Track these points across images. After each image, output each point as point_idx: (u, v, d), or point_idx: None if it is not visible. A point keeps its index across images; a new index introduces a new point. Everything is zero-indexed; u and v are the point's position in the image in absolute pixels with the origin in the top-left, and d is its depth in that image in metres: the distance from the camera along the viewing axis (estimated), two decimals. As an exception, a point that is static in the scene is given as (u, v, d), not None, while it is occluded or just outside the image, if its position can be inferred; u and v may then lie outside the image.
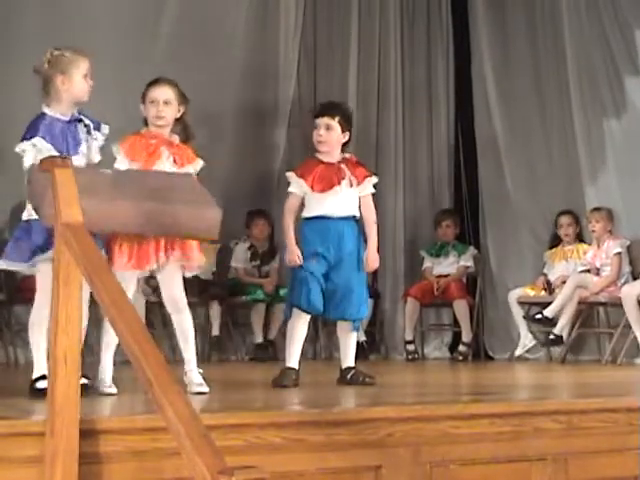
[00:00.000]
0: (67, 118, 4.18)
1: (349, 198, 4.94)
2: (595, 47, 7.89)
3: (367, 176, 5.01)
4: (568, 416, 3.83)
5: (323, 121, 4.94)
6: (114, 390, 4.27)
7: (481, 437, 3.66)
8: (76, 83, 4.17)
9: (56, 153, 4.01)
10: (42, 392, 3.81)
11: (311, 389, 5.00)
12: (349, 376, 4.95)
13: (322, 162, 4.95)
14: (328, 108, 5.04)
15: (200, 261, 4.48)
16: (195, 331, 7.85)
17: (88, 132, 4.24)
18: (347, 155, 5.03)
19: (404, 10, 8.75)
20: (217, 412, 3.42)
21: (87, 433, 3.04)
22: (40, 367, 4.01)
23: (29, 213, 4.09)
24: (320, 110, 5.03)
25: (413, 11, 8.81)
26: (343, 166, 4.95)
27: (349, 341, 5.03)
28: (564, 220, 7.82)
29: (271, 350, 7.75)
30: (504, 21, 8.58)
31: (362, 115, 8.48)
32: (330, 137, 4.92)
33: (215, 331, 7.65)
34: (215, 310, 7.68)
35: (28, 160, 4.10)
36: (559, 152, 8.19)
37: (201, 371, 4.48)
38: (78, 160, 4.06)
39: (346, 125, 4.98)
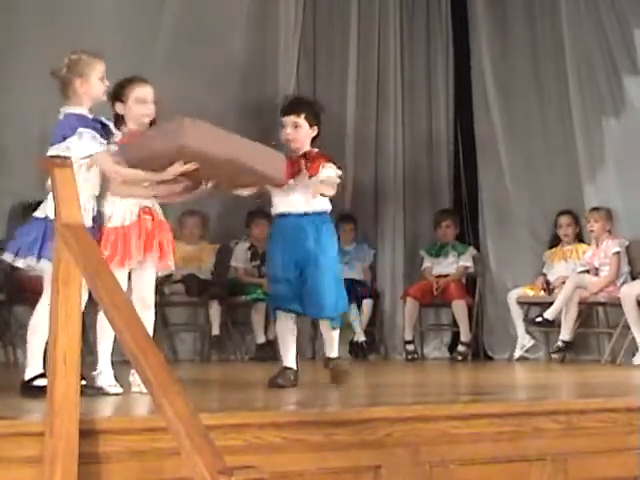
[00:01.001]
0: (91, 116, 4.31)
1: (306, 193, 4.87)
2: (594, 45, 7.89)
3: (320, 165, 4.92)
4: (567, 416, 3.84)
5: (290, 119, 4.90)
6: (118, 390, 4.28)
7: (480, 437, 3.66)
8: (93, 85, 4.29)
9: (102, 142, 4.20)
10: (41, 390, 3.84)
11: (310, 389, 4.99)
12: (329, 364, 5.02)
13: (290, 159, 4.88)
14: (294, 105, 4.98)
15: (172, 264, 4.52)
16: (195, 331, 7.90)
17: (106, 132, 4.35)
18: (308, 149, 4.95)
19: (403, 7, 8.75)
20: (217, 412, 3.42)
21: (87, 433, 3.04)
22: (37, 366, 4.04)
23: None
24: (286, 108, 4.97)
25: (412, 7, 8.81)
26: (302, 161, 4.89)
27: (329, 334, 5.03)
28: (563, 220, 7.82)
29: (271, 350, 7.74)
30: (503, 17, 8.58)
31: (361, 113, 8.49)
32: (298, 135, 4.89)
33: (215, 331, 7.65)
34: (215, 310, 7.68)
35: (81, 152, 4.17)
36: (558, 151, 8.19)
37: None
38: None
39: (314, 120, 4.93)
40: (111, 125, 4.41)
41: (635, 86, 7.69)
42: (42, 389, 3.85)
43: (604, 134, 7.87)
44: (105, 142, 4.28)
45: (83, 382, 3.95)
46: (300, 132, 4.90)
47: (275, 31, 8.16)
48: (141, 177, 4.32)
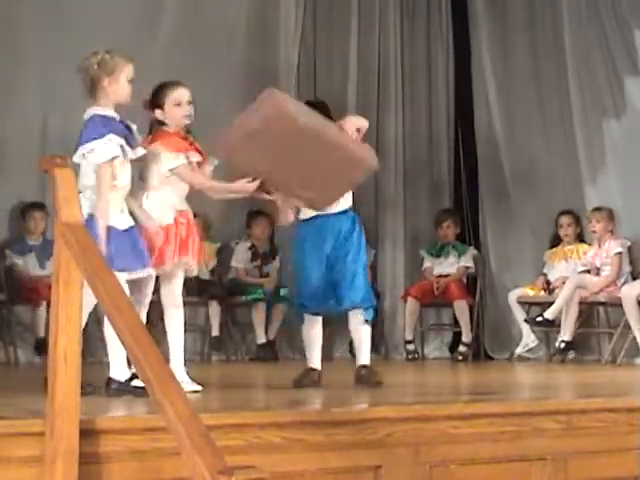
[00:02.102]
0: (118, 118, 4.29)
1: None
2: (595, 47, 7.89)
3: None
4: (568, 416, 3.84)
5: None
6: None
7: (481, 437, 3.66)
8: (122, 86, 4.27)
9: (127, 148, 4.20)
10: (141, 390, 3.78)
11: (311, 389, 4.99)
12: (359, 375, 4.88)
13: None
14: (325, 110, 4.95)
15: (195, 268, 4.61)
16: (195, 331, 7.89)
17: (131, 135, 4.35)
18: None
19: (404, 6, 8.75)
20: (217, 412, 3.42)
21: (87, 433, 3.04)
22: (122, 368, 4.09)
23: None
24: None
25: (413, 7, 8.81)
26: None
27: (361, 333, 4.96)
28: (564, 220, 7.82)
29: (271, 350, 7.74)
30: (504, 16, 8.57)
31: (362, 113, 8.45)
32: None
33: (215, 331, 7.65)
34: (214, 310, 7.68)
35: (101, 157, 4.17)
36: (559, 152, 8.19)
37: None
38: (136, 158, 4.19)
39: None
40: (134, 128, 4.39)
41: (635, 86, 7.69)
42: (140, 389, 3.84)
43: (604, 134, 7.87)
44: (129, 148, 4.26)
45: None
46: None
47: (275, 33, 8.15)
48: (216, 187, 4.47)
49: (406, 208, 8.57)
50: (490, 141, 8.57)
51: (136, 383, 3.98)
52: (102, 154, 4.16)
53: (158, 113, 4.51)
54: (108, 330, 3.98)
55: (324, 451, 3.37)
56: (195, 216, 7.59)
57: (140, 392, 3.78)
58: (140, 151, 4.32)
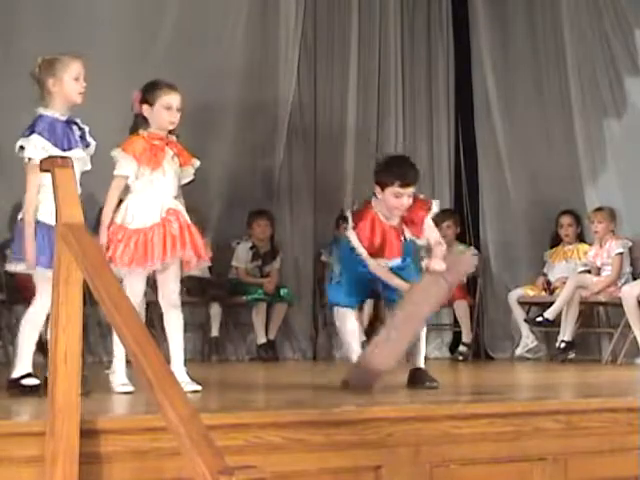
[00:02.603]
0: (64, 118, 4.28)
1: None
2: (595, 47, 7.90)
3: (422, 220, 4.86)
4: (568, 416, 3.84)
5: (408, 191, 4.72)
6: (129, 388, 4.29)
7: (481, 437, 3.66)
8: (66, 85, 4.27)
9: (54, 149, 4.14)
10: (32, 389, 3.87)
11: (311, 389, 5.00)
12: (413, 378, 4.82)
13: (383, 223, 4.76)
14: (417, 176, 4.83)
15: (208, 257, 4.61)
16: (195, 331, 7.88)
17: (82, 137, 4.33)
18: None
19: (404, 9, 8.75)
20: (217, 412, 3.42)
21: (87, 433, 3.04)
22: (26, 365, 4.10)
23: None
24: (410, 178, 4.75)
25: (413, 10, 8.81)
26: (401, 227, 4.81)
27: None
28: (565, 220, 7.82)
29: (271, 350, 7.74)
30: (504, 21, 8.58)
31: (362, 115, 8.49)
32: (409, 204, 4.74)
33: (214, 332, 7.65)
34: (216, 311, 7.67)
35: (27, 154, 4.20)
36: (559, 152, 8.19)
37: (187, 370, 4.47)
38: (77, 159, 4.09)
39: None
40: (87, 129, 4.37)
41: (635, 85, 7.70)
42: (33, 388, 3.92)
43: (605, 135, 7.88)
44: (63, 149, 4.21)
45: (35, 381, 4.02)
46: (411, 197, 4.74)
47: (275, 33, 8.15)
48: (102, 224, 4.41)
49: (406, 208, 8.56)
50: (491, 142, 8.57)
51: (27, 382, 4.03)
52: (27, 152, 4.19)
53: (145, 109, 4.51)
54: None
55: (324, 451, 3.37)
56: (191, 213, 7.66)
57: (28, 391, 3.93)
58: (78, 153, 4.24)
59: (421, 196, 4.88)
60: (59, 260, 3.15)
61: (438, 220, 8.27)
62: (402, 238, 4.74)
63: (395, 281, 4.61)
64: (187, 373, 4.43)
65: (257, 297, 7.75)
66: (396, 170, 4.74)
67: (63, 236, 3.15)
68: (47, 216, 4.10)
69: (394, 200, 4.68)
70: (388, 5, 8.65)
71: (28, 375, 4.09)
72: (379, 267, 4.63)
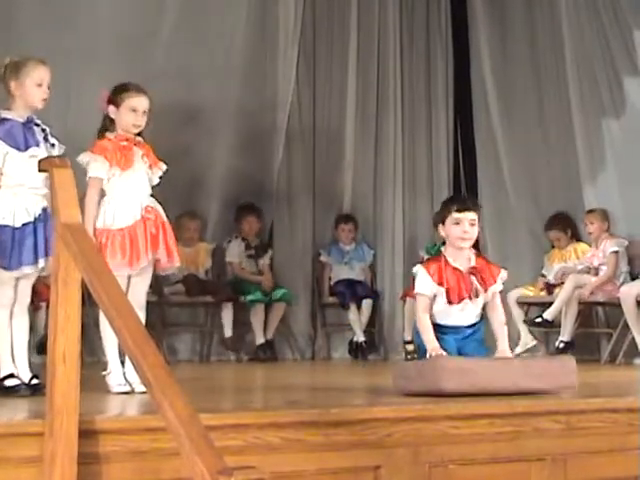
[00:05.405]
0: (23, 120, 4.30)
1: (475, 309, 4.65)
2: (594, 47, 7.89)
3: (494, 275, 4.72)
4: (567, 416, 3.83)
5: (468, 216, 4.65)
6: (127, 388, 4.29)
7: (480, 437, 3.66)
8: (28, 89, 4.28)
9: (8, 149, 4.18)
10: (11, 390, 3.97)
11: (310, 389, 5.00)
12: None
13: (454, 268, 4.59)
14: (474, 202, 4.82)
15: (178, 261, 4.56)
16: (194, 332, 7.88)
17: (45, 138, 4.34)
18: (474, 262, 4.69)
19: (403, 9, 8.74)
20: (216, 412, 3.41)
21: (86, 433, 3.04)
22: (7, 366, 4.13)
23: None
24: (465, 204, 4.73)
25: (412, 10, 8.81)
26: (472, 277, 4.62)
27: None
28: (552, 235, 7.88)
29: (270, 350, 7.74)
30: (503, 20, 8.58)
31: (361, 116, 8.48)
32: (474, 233, 4.68)
33: (228, 332, 7.63)
34: (228, 312, 7.65)
35: None
36: (558, 152, 8.19)
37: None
38: (37, 157, 4.10)
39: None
40: (48, 130, 4.37)
41: (635, 87, 7.69)
42: (11, 389, 3.94)
43: (604, 135, 7.87)
44: (23, 150, 4.23)
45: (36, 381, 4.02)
46: (475, 230, 4.68)
47: (274, 34, 8.14)
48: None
49: (405, 209, 8.57)
50: (489, 142, 8.57)
51: (9, 383, 4.06)
52: None
53: (111, 110, 4.54)
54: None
55: (323, 451, 3.37)
56: (194, 219, 7.68)
57: (7, 392, 3.97)
58: (37, 151, 4.22)
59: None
60: (58, 260, 3.15)
61: (437, 220, 8.34)
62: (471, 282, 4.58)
63: (429, 340, 4.42)
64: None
65: (255, 299, 7.73)
66: (451, 199, 4.87)
67: (62, 236, 3.15)
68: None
69: (455, 229, 4.58)
70: (387, 5, 8.65)
71: (10, 376, 4.11)
72: (425, 324, 4.47)
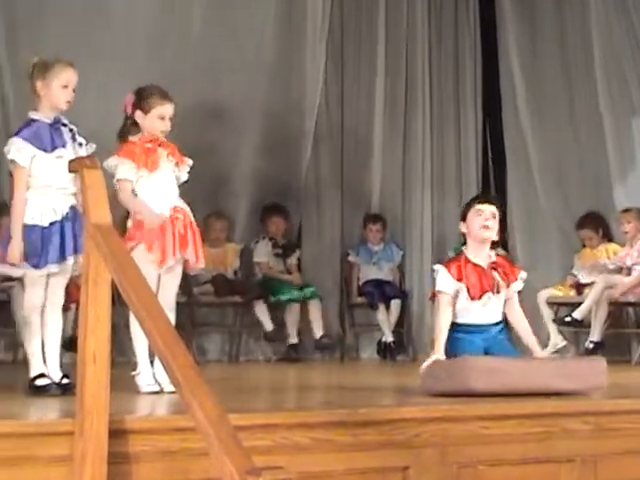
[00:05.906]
0: (50, 121, 4.33)
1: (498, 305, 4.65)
2: (624, 46, 7.85)
3: (514, 273, 4.67)
4: (597, 417, 3.82)
5: (490, 208, 4.63)
6: (156, 388, 4.31)
7: (509, 438, 3.65)
8: (54, 90, 4.31)
9: (35, 151, 4.22)
10: (42, 389, 4.01)
11: (338, 389, 5.00)
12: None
13: (475, 265, 4.57)
14: (494, 196, 4.91)
15: (203, 262, 4.58)
16: (222, 332, 7.88)
17: (73, 137, 4.37)
18: (494, 258, 4.68)
19: (431, 8, 8.72)
20: (245, 412, 3.42)
21: (116, 433, 3.06)
22: (38, 366, 4.16)
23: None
24: (486, 197, 4.83)
25: (440, 8, 8.78)
26: (494, 272, 4.61)
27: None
28: (584, 234, 7.83)
29: (302, 351, 7.72)
30: (532, 19, 8.54)
31: (389, 115, 8.47)
32: (495, 226, 4.62)
33: (268, 327, 7.61)
34: (262, 308, 7.63)
35: (11, 157, 4.26)
36: (588, 152, 8.15)
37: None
38: (66, 158, 4.14)
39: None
40: (75, 129, 4.40)
41: (665, 85, 7.65)
42: (42, 389, 3.95)
43: (634, 134, 7.83)
44: (49, 151, 4.26)
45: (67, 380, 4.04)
46: (496, 225, 4.64)
47: (302, 35, 8.13)
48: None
49: (434, 209, 8.55)
50: (519, 142, 8.54)
51: (40, 382, 4.10)
52: (12, 154, 4.23)
53: (138, 115, 4.55)
54: None
55: (352, 451, 3.37)
56: (222, 219, 7.69)
57: (38, 392, 4.01)
58: (65, 152, 4.27)
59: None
60: (88, 260, 3.17)
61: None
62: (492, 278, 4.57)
63: (438, 343, 4.42)
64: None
65: (291, 298, 7.70)
66: (473, 197, 4.85)
67: (92, 236, 3.17)
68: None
69: (477, 219, 4.56)
70: (415, 4, 8.63)
71: (41, 375, 4.14)
72: (441, 324, 4.47)
